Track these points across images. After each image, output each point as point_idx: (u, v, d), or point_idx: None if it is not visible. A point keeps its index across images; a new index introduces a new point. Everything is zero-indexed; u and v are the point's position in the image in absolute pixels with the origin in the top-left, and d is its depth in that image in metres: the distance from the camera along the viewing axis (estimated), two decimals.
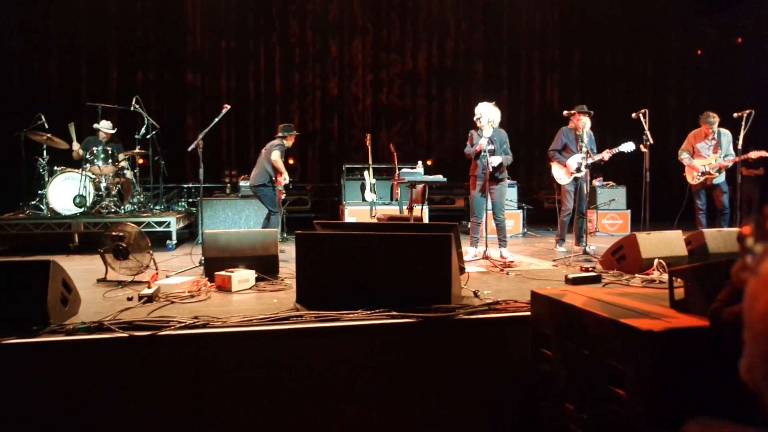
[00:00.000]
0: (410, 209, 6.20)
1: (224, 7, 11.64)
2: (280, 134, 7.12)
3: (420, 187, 6.40)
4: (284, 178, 6.92)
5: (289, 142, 7.15)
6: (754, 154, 6.72)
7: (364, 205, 8.54)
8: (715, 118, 6.88)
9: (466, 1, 12.65)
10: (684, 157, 7.05)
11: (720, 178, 6.87)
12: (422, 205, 6.61)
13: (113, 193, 7.38)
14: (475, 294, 3.82)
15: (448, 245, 3.41)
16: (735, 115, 6.66)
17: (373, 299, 3.33)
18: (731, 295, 2.17)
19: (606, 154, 6.35)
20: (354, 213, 8.50)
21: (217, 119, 6.05)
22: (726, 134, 6.92)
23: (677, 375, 2.17)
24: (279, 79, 12.05)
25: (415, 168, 6.80)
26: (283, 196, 6.97)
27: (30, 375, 2.79)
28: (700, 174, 6.89)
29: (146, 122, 7.77)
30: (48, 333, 2.89)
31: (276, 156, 6.85)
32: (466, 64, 12.77)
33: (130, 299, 3.73)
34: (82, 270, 5.07)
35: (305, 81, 12.15)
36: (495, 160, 5.82)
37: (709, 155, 6.88)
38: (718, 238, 4.76)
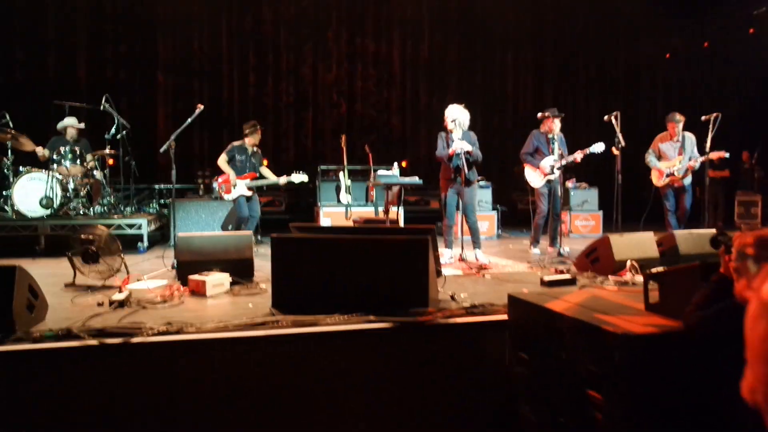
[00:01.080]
0: (386, 211, 6.19)
1: (197, 8, 11.47)
2: (245, 133, 7.09)
3: (396, 188, 6.39)
4: (232, 180, 6.95)
5: (252, 140, 7.10)
6: (714, 155, 6.88)
7: (340, 206, 8.49)
8: (680, 118, 7.04)
9: (441, 5, 12.70)
10: (650, 159, 7.20)
11: (686, 180, 7.03)
12: (398, 207, 6.60)
13: (82, 194, 7.20)
14: (452, 297, 3.81)
15: (425, 249, 3.40)
16: (703, 118, 6.82)
17: (350, 303, 3.30)
18: (705, 298, 2.21)
19: (578, 155, 6.43)
20: (329, 215, 8.45)
21: (189, 119, 5.94)
22: (690, 137, 7.08)
23: (654, 378, 2.20)
24: (252, 80, 11.92)
25: (391, 170, 6.78)
26: (227, 197, 6.99)
27: None
28: (665, 176, 7.03)
29: (116, 122, 7.60)
30: (13, 341, 2.80)
31: (219, 160, 7.07)
32: (440, 66, 12.83)
33: (100, 305, 3.64)
34: (48, 274, 4.91)
35: (279, 82, 12.04)
36: (465, 146, 5.77)
37: (674, 156, 7.03)
38: (689, 239, 4.85)
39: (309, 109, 12.23)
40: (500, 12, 12.82)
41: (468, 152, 5.76)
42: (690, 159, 6.94)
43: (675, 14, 12.45)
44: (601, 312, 2.58)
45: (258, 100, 11.93)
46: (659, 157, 7.15)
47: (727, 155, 7.05)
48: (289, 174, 7.10)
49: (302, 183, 7.16)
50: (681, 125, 7.03)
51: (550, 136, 6.62)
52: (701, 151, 6.91)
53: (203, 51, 11.63)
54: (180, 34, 11.46)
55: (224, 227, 7.52)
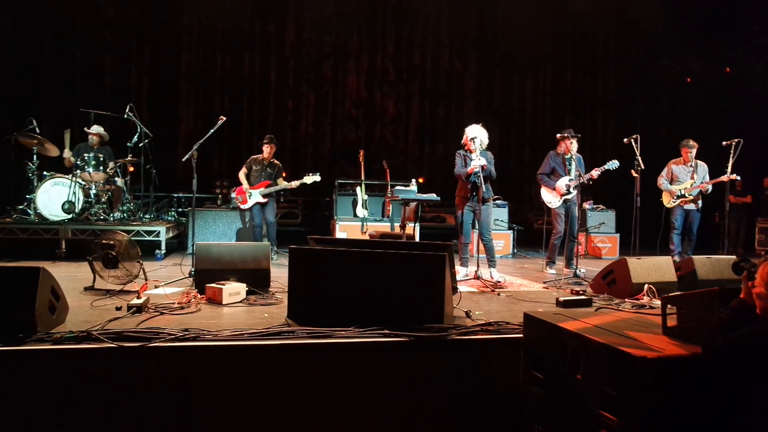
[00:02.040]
0: (403, 227, 6.20)
1: (220, 23, 11.71)
2: (261, 145, 7.37)
3: (413, 204, 6.41)
4: (245, 190, 7.34)
5: (268, 152, 7.40)
6: (725, 178, 6.88)
7: (356, 220, 8.53)
8: (694, 144, 7.09)
9: (461, 24, 12.81)
10: (662, 182, 7.24)
11: (698, 204, 7.05)
12: (414, 223, 6.61)
13: (103, 200, 7.31)
14: (467, 314, 3.81)
15: (443, 264, 3.40)
16: (724, 143, 6.80)
17: (365, 316, 3.31)
18: (724, 323, 2.19)
19: (594, 173, 6.43)
20: (345, 228, 8.48)
21: (212, 130, 6.02)
22: (702, 165, 7.17)
23: (670, 402, 2.18)
24: (273, 96, 12.11)
25: (408, 186, 6.82)
26: (243, 206, 7.37)
27: (14, 383, 2.73)
28: (675, 197, 7.07)
29: (139, 130, 7.73)
30: (34, 341, 2.85)
31: (240, 173, 7.48)
32: (458, 86, 12.91)
33: (119, 309, 3.68)
34: (68, 277, 5.00)
35: (299, 95, 12.20)
36: (482, 161, 5.77)
37: (686, 180, 7.07)
38: (708, 265, 4.80)
39: (328, 125, 12.35)
40: (520, 33, 12.90)
41: (483, 167, 5.78)
42: (702, 182, 6.99)
43: (696, 39, 12.42)
44: (617, 334, 2.56)
45: (278, 115, 12.08)
46: (671, 180, 7.21)
47: (738, 178, 7.05)
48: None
49: (315, 183, 7.42)
50: (694, 151, 7.12)
51: (566, 157, 6.62)
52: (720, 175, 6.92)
53: (225, 63, 11.84)
54: (203, 46, 11.68)
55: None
